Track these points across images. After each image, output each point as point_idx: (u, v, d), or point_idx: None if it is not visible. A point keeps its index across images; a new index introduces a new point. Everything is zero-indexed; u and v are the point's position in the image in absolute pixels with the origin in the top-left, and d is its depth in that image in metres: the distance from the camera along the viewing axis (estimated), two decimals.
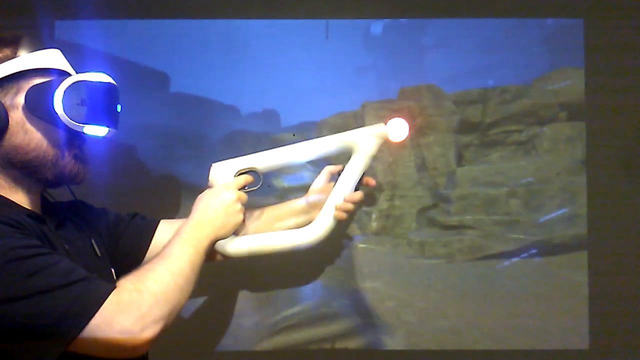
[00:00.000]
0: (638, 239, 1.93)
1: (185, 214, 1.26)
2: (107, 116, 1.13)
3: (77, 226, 1.24)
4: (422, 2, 1.97)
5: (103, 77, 1.13)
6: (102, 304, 0.97)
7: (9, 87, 1.07)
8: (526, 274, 1.93)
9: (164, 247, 1.16)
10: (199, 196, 1.27)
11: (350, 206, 1.32)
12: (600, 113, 1.93)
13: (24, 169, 1.11)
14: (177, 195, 1.90)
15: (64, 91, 1.06)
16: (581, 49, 1.93)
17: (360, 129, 1.36)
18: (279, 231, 1.36)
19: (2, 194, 1.11)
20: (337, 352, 1.92)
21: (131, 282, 1.03)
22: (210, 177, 1.31)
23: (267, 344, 1.91)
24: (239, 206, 1.26)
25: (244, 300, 1.92)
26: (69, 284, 0.97)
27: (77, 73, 1.14)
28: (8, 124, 1.06)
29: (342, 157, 1.43)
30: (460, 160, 1.88)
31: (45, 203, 1.21)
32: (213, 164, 1.33)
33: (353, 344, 1.89)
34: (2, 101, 1.06)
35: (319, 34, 1.95)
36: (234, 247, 1.30)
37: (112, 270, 1.26)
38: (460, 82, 1.93)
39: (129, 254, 1.34)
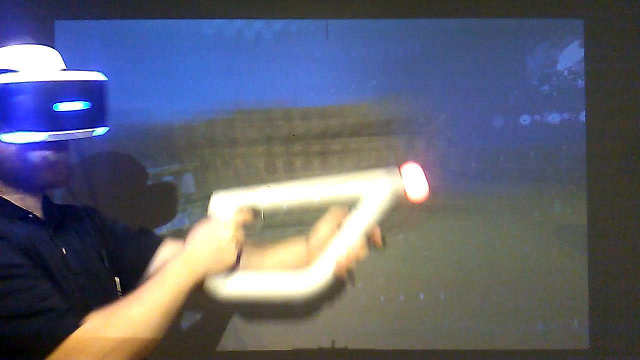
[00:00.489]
0: (638, 239, 1.93)
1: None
2: (25, 120, 1.01)
3: (83, 231, 1.22)
4: (421, 2, 1.97)
5: (25, 77, 1.01)
6: (64, 340, 0.95)
7: None
8: (526, 274, 1.93)
9: (147, 281, 1.10)
10: (195, 227, 1.18)
11: (350, 260, 1.20)
12: (600, 113, 1.93)
13: None
14: (175, 198, 1.91)
15: None
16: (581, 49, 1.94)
17: (373, 175, 1.22)
18: (272, 274, 1.25)
19: (3, 195, 1.11)
20: (337, 352, 1.92)
21: (100, 321, 1.00)
22: (210, 209, 1.22)
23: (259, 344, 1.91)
24: (233, 246, 1.16)
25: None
26: (35, 314, 0.95)
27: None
28: None
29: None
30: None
31: (48, 205, 1.20)
32: (214, 195, 1.23)
33: None
34: None
35: (319, 34, 1.95)
36: (224, 288, 1.20)
37: (117, 279, 1.24)
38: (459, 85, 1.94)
39: (131, 266, 1.30)
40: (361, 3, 1.96)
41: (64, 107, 1.02)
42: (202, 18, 1.94)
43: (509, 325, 1.94)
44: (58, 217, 1.19)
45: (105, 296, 1.15)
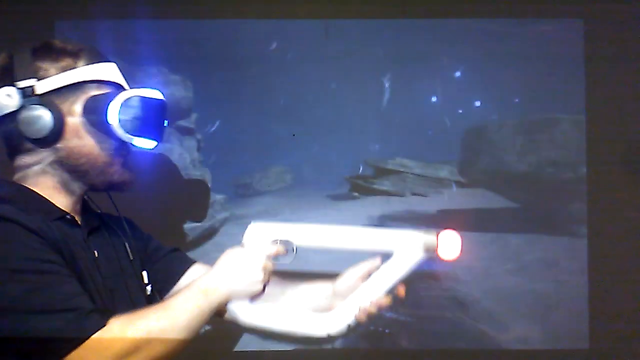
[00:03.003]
0: (638, 239, 1.93)
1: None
2: (156, 130, 1.20)
3: (116, 238, 1.26)
4: (421, 2, 1.97)
5: (156, 94, 1.19)
6: (85, 340, 0.99)
7: (68, 95, 1.14)
8: (526, 274, 1.94)
9: (175, 294, 1.15)
10: (227, 251, 1.24)
11: (373, 310, 1.23)
12: (601, 113, 1.93)
13: (73, 172, 1.16)
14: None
15: (120, 104, 1.14)
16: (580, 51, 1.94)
17: (410, 232, 1.24)
18: (294, 312, 1.30)
19: (44, 194, 1.16)
20: (337, 352, 1.92)
21: (121, 323, 1.04)
22: (245, 237, 1.27)
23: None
24: (261, 276, 1.22)
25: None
26: (61, 311, 1.00)
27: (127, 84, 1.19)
28: (63, 128, 1.14)
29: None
30: None
31: (87, 210, 1.24)
32: (252, 223, 1.28)
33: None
34: (61, 107, 1.13)
35: (319, 34, 1.95)
36: (245, 314, 1.24)
37: (144, 272, 1.28)
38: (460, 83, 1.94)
39: (157, 282, 1.34)
40: (361, 3, 1.96)
41: (165, 122, 1.22)
42: (202, 18, 1.94)
43: (509, 325, 1.94)
44: (94, 222, 1.23)
45: (133, 302, 1.19)
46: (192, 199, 1.92)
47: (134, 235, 1.33)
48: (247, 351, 1.93)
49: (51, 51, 1.16)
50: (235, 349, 1.94)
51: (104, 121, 1.13)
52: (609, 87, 1.93)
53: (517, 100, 1.96)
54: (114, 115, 1.14)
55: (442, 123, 1.95)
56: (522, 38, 1.96)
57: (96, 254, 1.18)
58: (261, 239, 1.26)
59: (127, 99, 1.15)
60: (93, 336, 1.00)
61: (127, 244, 1.27)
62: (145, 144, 1.19)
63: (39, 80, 1.13)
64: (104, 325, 1.02)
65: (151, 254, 1.35)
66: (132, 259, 1.27)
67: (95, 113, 1.14)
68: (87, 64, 1.16)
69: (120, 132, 1.14)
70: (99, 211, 1.29)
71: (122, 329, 1.04)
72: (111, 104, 1.14)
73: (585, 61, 1.93)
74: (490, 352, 1.93)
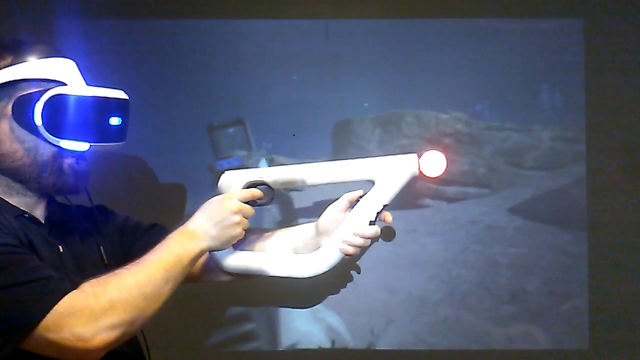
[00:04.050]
0: (638, 239, 1.93)
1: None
2: (89, 131, 1.10)
3: (84, 231, 1.22)
4: (421, 2, 1.97)
5: (88, 91, 1.10)
6: (54, 305, 0.95)
7: (1, 95, 1.07)
8: (526, 274, 1.93)
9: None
10: (204, 203, 1.20)
11: (358, 241, 1.17)
12: (601, 113, 1.93)
13: (13, 176, 1.11)
14: (182, 200, 1.90)
15: (44, 104, 1.06)
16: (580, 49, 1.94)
17: (389, 157, 1.20)
18: (280, 254, 1.26)
19: None
20: (337, 352, 1.92)
21: (91, 285, 0.99)
22: (219, 186, 1.24)
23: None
24: (237, 218, 1.17)
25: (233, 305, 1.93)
26: (26, 282, 0.96)
27: (85, 81, 1.14)
28: None
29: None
30: None
31: (52, 206, 1.21)
32: (224, 172, 1.26)
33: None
34: None
35: (319, 34, 1.95)
36: (230, 261, 1.22)
37: None
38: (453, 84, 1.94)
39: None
40: (361, 3, 1.96)
41: (112, 121, 1.13)
42: (202, 18, 1.94)
43: (509, 325, 1.94)
44: (59, 217, 1.20)
45: None
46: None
47: (108, 224, 1.28)
48: (247, 351, 1.93)
49: None
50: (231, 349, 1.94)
51: (31, 123, 1.07)
52: (609, 87, 1.93)
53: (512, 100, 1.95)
54: (39, 115, 1.06)
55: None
56: (520, 36, 1.95)
57: (61, 249, 1.15)
58: (234, 185, 1.23)
59: (50, 97, 1.06)
60: (65, 298, 0.97)
61: (102, 249, 1.24)
62: (75, 146, 1.10)
63: None
64: (74, 289, 0.98)
65: (130, 235, 1.31)
66: (107, 264, 1.23)
67: (23, 114, 1.07)
68: (31, 61, 1.09)
69: (45, 134, 1.07)
70: (69, 204, 1.26)
71: (95, 288, 0.99)
72: (37, 103, 1.06)
73: (585, 61, 1.93)
74: (490, 352, 1.93)
